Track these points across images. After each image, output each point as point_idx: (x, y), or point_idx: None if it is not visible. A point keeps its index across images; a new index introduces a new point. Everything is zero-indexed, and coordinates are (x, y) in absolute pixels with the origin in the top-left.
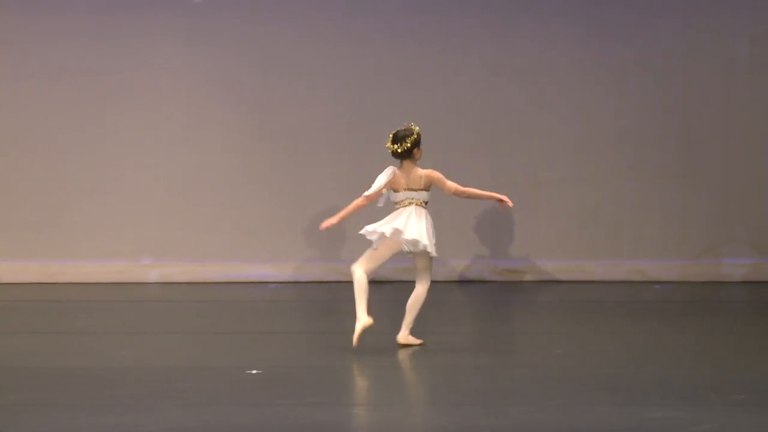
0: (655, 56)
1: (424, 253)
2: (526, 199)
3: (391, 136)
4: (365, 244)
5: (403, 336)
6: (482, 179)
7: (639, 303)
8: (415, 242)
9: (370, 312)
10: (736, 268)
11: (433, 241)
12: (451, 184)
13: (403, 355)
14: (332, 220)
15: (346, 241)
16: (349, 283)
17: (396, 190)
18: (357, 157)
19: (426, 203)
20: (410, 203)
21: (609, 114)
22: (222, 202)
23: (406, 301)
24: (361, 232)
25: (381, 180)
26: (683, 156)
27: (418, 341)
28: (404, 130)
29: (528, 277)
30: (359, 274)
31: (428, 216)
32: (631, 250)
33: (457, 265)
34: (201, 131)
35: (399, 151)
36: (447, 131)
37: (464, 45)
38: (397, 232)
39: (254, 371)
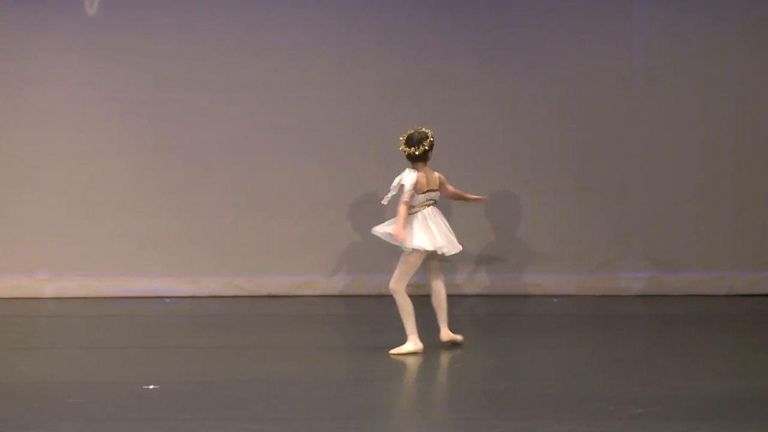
0: (551, 69)
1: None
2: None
3: (403, 139)
4: (257, 258)
5: (447, 333)
6: (380, 191)
7: (537, 317)
8: (452, 246)
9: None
10: (633, 281)
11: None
12: (451, 188)
13: (299, 367)
14: (402, 231)
15: (241, 255)
16: (245, 298)
17: (418, 192)
18: (253, 170)
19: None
20: (429, 204)
21: (505, 128)
22: (118, 216)
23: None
24: (415, 245)
25: (410, 182)
26: (580, 169)
27: (458, 337)
28: (418, 133)
29: (426, 291)
30: (405, 296)
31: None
32: (528, 263)
33: (355, 279)
34: (97, 145)
35: (417, 153)
36: (341, 142)
37: (361, 57)
38: (445, 244)
39: (152, 386)
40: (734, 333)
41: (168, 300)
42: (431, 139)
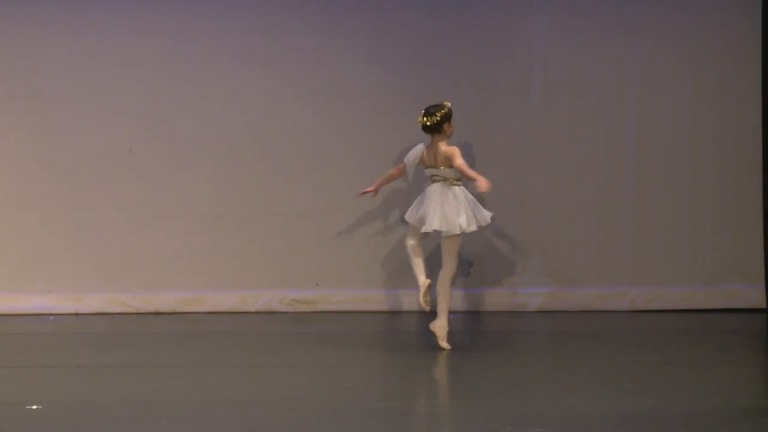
0: (447, 79)
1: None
2: (317, 226)
3: (423, 110)
4: (142, 274)
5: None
6: (270, 205)
7: (433, 334)
8: (436, 230)
9: None
10: (531, 297)
11: (459, 219)
12: (460, 161)
13: (187, 386)
14: (369, 189)
15: (126, 271)
16: (131, 315)
17: (425, 166)
18: (138, 183)
19: (457, 180)
20: (436, 180)
21: (400, 140)
22: None
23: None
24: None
25: (410, 155)
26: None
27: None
28: (434, 105)
29: (319, 308)
30: (410, 242)
31: (454, 195)
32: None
33: (245, 296)
34: None
35: (428, 124)
36: (233, 155)
37: (252, 66)
38: (420, 222)
39: (35, 407)
40: (636, 349)
41: (51, 317)
42: (446, 111)
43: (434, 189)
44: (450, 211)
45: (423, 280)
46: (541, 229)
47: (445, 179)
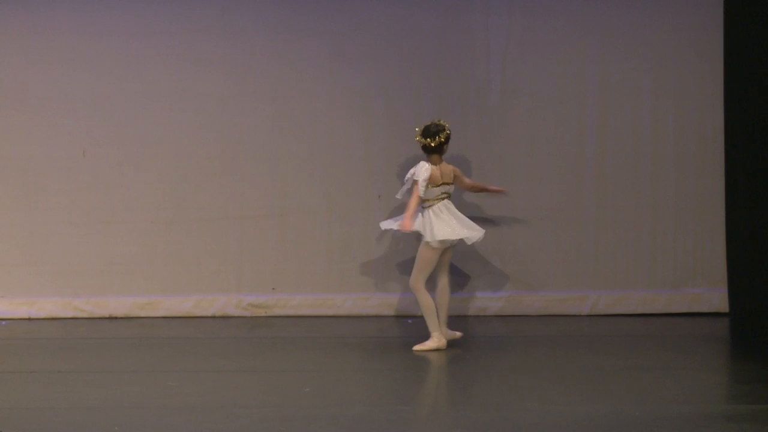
0: (405, 81)
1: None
2: (273, 229)
3: (420, 129)
4: (96, 278)
5: (444, 332)
6: (226, 208)
7: (390, 338)
8: (475, 232)
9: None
10: (491, 301)
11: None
12: (469, 180)
13: (141, 392)
14: (409, 223)
15: (80, 275)
16: (84, 319)
17: (435, 185)
18: (91, 187)
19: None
20: (444, 198)
21: (358, 141)
22: None
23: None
24: (439, 238)
25: (425, 175)
26: None
27: (457, 334)
28: (435, 125)
29: (275, 312)
30: (425, 294)
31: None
32: (382, 282)
33: (200, 300)
34: None
35: (432, 145)
36: (184, 157)
37: (207, 67)
38: (467, 233)
39: None
40: (597, 354)
41: (3, 322)
42: (448, 131)
43: (445, 205)
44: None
45: (442, 342)
46: (500, 233)
47: (448, 195)
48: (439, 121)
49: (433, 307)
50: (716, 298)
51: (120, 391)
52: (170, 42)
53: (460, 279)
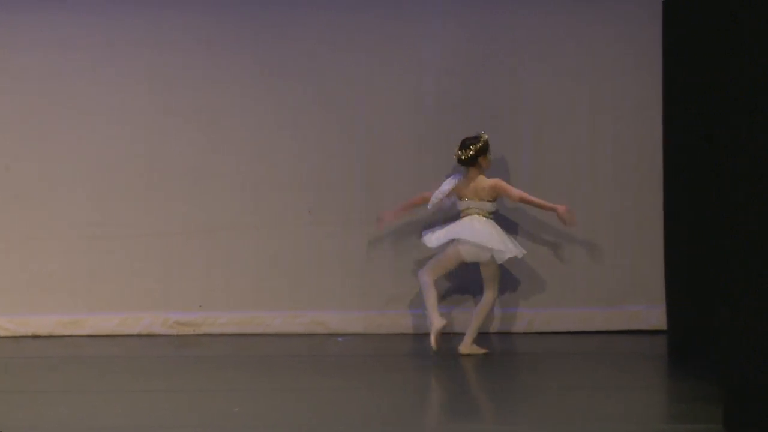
0: (337, 93)
1: (489, 262)
2: (200, 246)
3: (460, 143)
4: (19, 296)
5: (466, 345)
6: (152, 224)
7: (321, 357)
8: (475, 254)
9: None
10: (424, 318)
11: (501, 247)
12: (516, 192)
13: (66, 413)
14: (389, 215)
15: (5, 292)
16: (7, 338)
17: (460, 198)
18: (15, 202)
19: (491, 213)
20: (471, 212)
21: (287, 155)
22: None
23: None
24: (423, 239)
25: (444, 186)
26: (368, 198)
27: (482, 350)
28: (472, 137)
29: (203, 330)
30: (427, 281)
31: (494, 225)
32: (311, 300)
33: (126, 318)
34: None
35: (463, 158)
36: (110, 172)
37: (133, 81)
38: (456, 242)
39: None
40: (533, 373)
41: None
42: (482, 144)
43: (477, 219)
44: (502, 237)
45: (440, 322)
46: (433, 251)
47: (481, 212)
48: (479, 133)
49: (429, 296)
50: (655, 315)
51: (45, 412)
52: (96, 56)
53: (395, 296)
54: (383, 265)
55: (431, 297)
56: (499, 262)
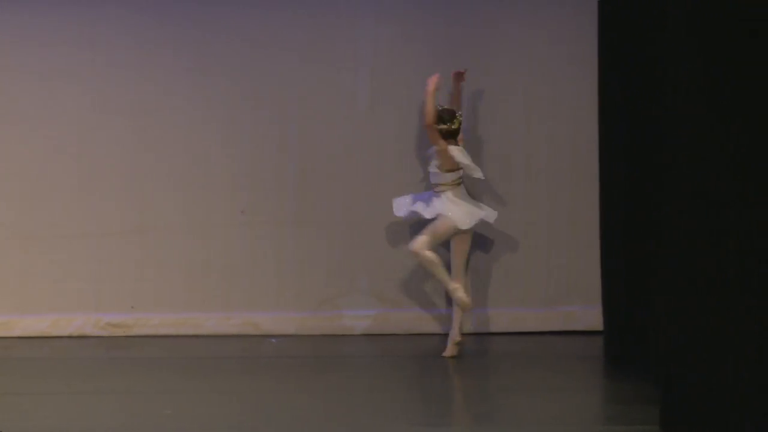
0: (269, 92)
1: (470, 232)
2: (132, 247)
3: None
4: None
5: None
6: (83, 225)
7: (254, 358)
8: (467, 219)
9: None
10: (358, 320)
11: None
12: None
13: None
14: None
15: None
16: None
17: (450, 170)
18: None
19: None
20: (459, 182)
21: (219, 155)
22: None
23: None
24: (461, 226)
25: (461, 152)
26: (301, 200)
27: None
28: (445, 110)
29: (134, 332)
30: (431, 255)
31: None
32: (243, 301)
33: (58, 320)
34: None
35: (453, 128)
36: (40, 172)
37: (63, 80)
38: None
39: None
40: (467, 374)
41: None
42: (459, 118)
43: (461, 191)
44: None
45: (466, 301)
46: (367, 248)
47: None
48: (443, 106)
49: (438, 261)
50: (591, 316)
51: None
52: (23, 54)
53: (325, 296)
54: (316, 266)
55: (443, 271)
56: (491, 221)
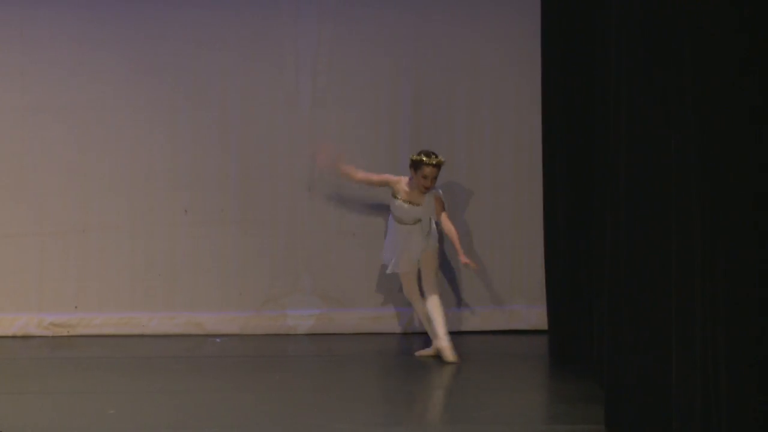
0: (211, 90)
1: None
2: (74, 246)
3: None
4: None
5: (449, 350)
6: (24, 225)
7: (198, 358)
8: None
9: None
10: (302, 319)
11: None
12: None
13: None
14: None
15: None
16: None
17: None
18: None
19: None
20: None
21: (162, 154)
22: None
23: None
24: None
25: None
26: (243, 199)
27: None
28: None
29: (78, 332)
30: (412, 300)
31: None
32: (187, 301)
33: (1, 319)
34: None
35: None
36: None
37: (2, 80)
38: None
39: None
40: (412, 374)
41: None
42: (420, 158)
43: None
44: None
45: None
46: (310, 248)
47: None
48: (432, 152)
49: (420, 313)
50: (534, 315)
51: None
52: None
53: (268, 296)
54: (260, 266)
55: (422, 313)
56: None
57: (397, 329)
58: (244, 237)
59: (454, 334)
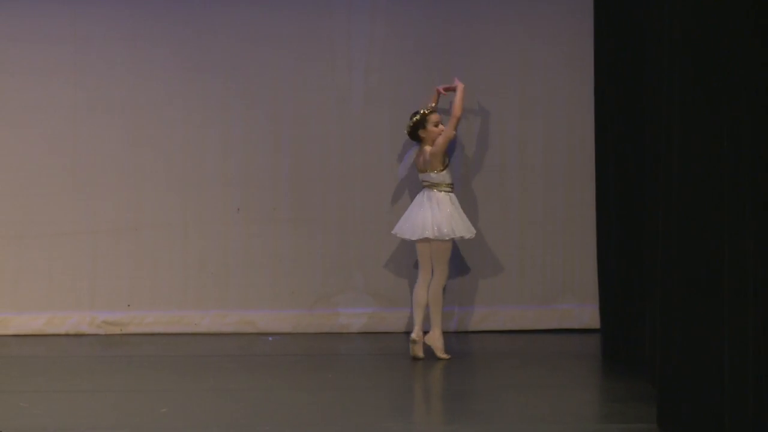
0: (263, 89)
1: (433, 241)
2: (127, 244)
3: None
4: None
5: (440, 349)
6: (78, 222)
7: (251, 356)
8: (412, 231)
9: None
10: (354, 318)
11: (451, 224)
12: (448, 130)
13: None
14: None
15: None
16: None
17: (418, 171)
18: None
19: (449, 185)
20: (426, 186)
21: (215, 152)
22: None
23: None
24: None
25: (406, 159)
26: (295, 197)
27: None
28: (413, 113)
29: (130, 330)
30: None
31: (441, 201)
32: (239, 299)
33: (52, 317)
34: None
35: (406, 132)
36: (34, 170)
37: (56, 77)
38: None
39: None
40: (464, 372)
41: None
42: (418, 117)
43: (423, 196)
44: (439, 216)
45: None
46: (363, 247)
47: (432, 185)
48: (420, 108)
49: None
50: (586, 314)
51: None
52: (17, 51)
53: (321, 295)
54: (312, 264)
55: (417, 308)
56: (445, 238)
57: (451, 327)
58: (296, 235)
59: (508, 333)
